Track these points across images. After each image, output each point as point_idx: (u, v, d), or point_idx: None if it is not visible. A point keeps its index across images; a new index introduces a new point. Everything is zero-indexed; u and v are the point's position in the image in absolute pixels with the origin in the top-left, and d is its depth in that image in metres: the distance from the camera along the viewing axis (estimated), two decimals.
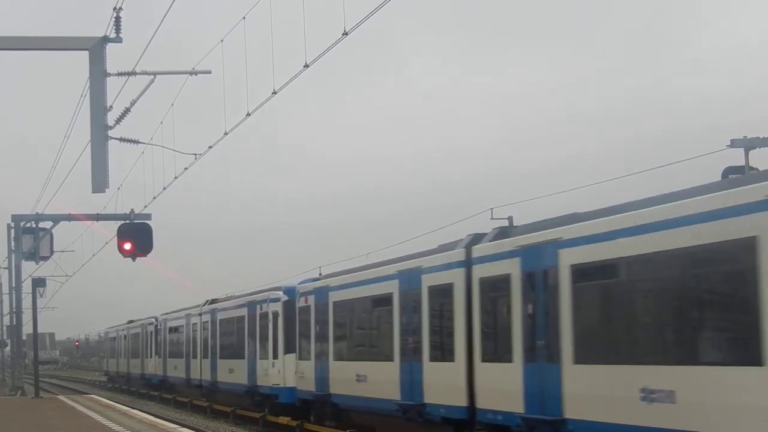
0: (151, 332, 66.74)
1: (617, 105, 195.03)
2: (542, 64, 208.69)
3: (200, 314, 53.87)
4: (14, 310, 53.47)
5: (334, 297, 34.18)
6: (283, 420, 38.77)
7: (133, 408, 42.37)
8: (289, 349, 39.30)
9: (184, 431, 28.74)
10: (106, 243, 46.04)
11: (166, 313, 63.98)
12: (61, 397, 52.92)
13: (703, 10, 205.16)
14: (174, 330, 60.57)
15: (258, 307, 42.89)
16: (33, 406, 39.75)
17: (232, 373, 47.11)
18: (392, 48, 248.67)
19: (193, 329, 55.03)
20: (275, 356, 40.55)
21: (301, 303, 37.69)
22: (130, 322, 76.83)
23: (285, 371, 39.43)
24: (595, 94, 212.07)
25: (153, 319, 66.78)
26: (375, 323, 30.96)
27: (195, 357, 54.85)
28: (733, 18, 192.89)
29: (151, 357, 67.42)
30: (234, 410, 46.91)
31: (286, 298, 39.78)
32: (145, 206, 36.49)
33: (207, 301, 53.79)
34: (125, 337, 78.65)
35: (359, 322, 32.42)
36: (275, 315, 40.66)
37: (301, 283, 39.12)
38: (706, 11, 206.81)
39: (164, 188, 33.88)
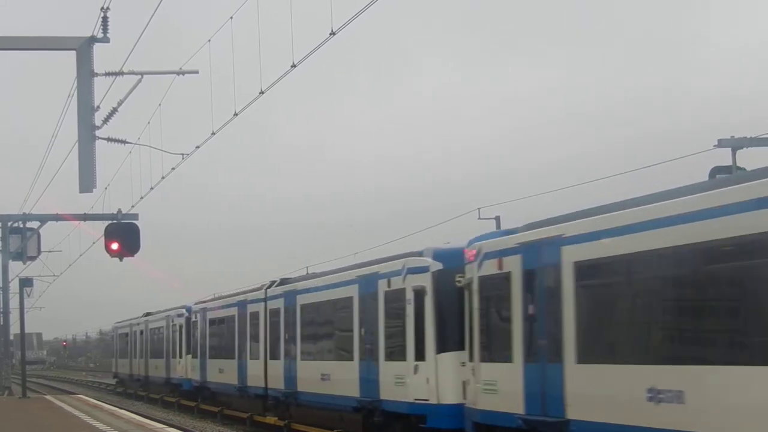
0: (181, 326, 55.50)
1: (620, 104, 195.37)
2: (544, 64, 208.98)
3: (265, 299, 40.33)
4: (1, 310, 53.37)
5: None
6: (271, 420, 38.77)
7: (121, 408, 42.33)
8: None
9: (172, 431, 28.73)
10: (94, 243, 45.96)
11: (203, 302, 53.05)
12: (48, 397, 52.86)
13: (706, 11, 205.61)
14: (218, 322, 47.99)
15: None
16: (20, 406, 39.69)
17: (328, 381, 33.24)
18: (394, 48, 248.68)
19: (252, 321, 41.87)
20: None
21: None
22: (148, 314, 67.18)
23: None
24: (595, 95, 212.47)
25: (183, 310, 55.60)
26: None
27: (256, 357, 41.21)
28: (737, 18, 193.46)
29: (180, 357, 55.61)
30: (221, 410, 46.89)
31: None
32: (133, 206, 36.43)
33: (275, 282, 40.61)
34: (142, 332, 68.20)
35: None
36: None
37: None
38: (709, 11, 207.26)
39: (151, 188, 33.86)
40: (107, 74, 21.57)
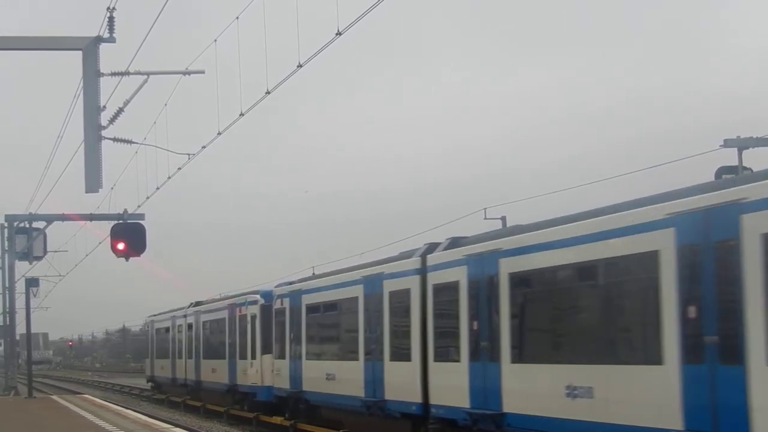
0: (254, 317, 42.81)
1: (622, 105, 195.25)
2: (548, 64, 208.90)
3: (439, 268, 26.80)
4: (7, 310, 53.40)
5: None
6: (277, 420, 38.79)
7: (127, 408, 42.35)
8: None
9: (178, 431, 28.74)
10: (100, 243, 46.03)
11: (287, 284, 39.97)
12: (54, 396, 52.89)
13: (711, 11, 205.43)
14: (329, 309, 34.37)
15: None
16: (26, 406, 39.72)
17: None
18: (397, 49, 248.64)
19: (373, 307, 30.22)
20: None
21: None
22: (198, 303, 55.52)
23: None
24: (598, 95, 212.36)
25: (257, 296, 43.25)
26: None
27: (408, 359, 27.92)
28: (743, 19, 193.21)
29: (253, 358, 42.96)
30: (227, 410, 46.91)
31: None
32: (139, 206, 36.49)
33: (425, 249, 27.73)
34: (191, 326, 54.88)
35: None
36: None
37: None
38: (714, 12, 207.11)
39: (158, 188, 33.89)
40: (113, 74, 21.57)
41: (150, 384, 71.01)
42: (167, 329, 61.60)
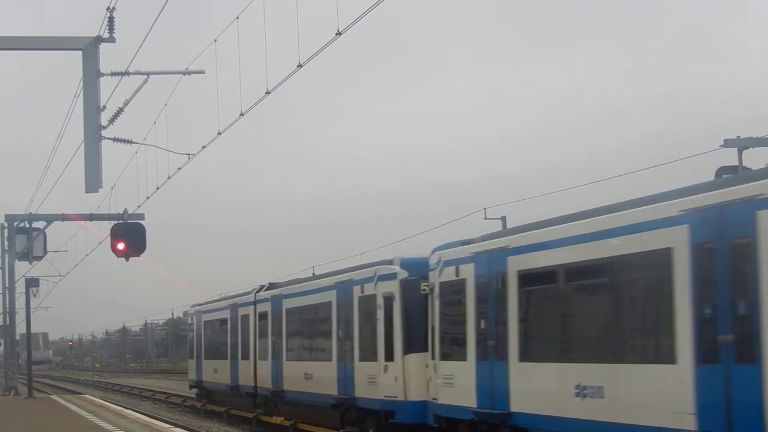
0: (388, 299, 29.17)
1: (625, 105, 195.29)
2: (551, 65, 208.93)
3: None
4: (7, 310, 53.40)
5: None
6: (277, 420, 38.78)
7: (127, 408, 42.34)
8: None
9: (178, 431, 28.74)
10: (100, 243, 46.00)
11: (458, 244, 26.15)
12: (54, 396, 52.89)
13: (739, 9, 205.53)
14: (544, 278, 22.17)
15: None
16: (26, 406, 39.72)
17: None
18: (400, 49, 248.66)
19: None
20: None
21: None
22: (273, 285, 41.53)
23: None
24: (601, 96, 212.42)
25: (393, 269, 29.17)
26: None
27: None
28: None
29: (389, 359, 29.18)
30: (227, 410, 46.89)
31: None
32: (139, 206, 36.50)
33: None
34: (264, 317, 40.91)
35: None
36: None
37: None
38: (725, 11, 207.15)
39: (158, 188, 33.89)
40: (113, 74, 21.58)
41: (195, 391, 54.49)
42: (224, 321, 46.87)
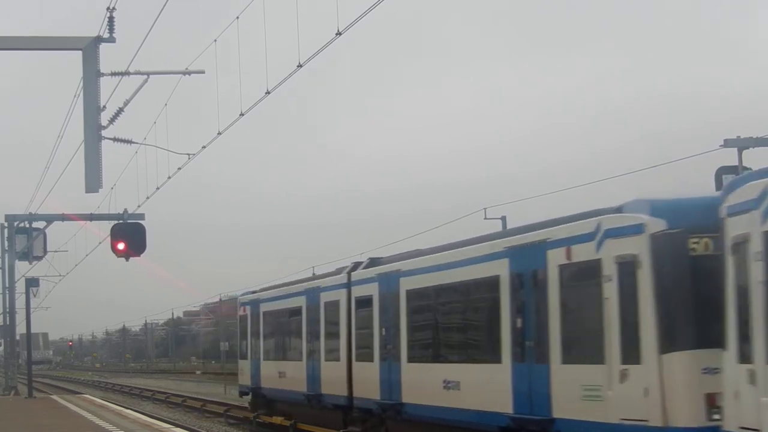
0: (630, 263, 18.62)
1: (625, 107, 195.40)
2: (561, 65, 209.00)
3: None
4: (7, 310, 53.40)
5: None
6: (277, 420, 38.78)
7: (127, 408, 42.33)
8: None
9: (178, 431, 28.74)
10: (100, 243, 45.99)
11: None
12: (54, 396, 52.88)
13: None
14: None
15: None
16: (26, 406, 39.71)
17: None
18: (410, 49, 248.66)
19: None
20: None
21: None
22: (375, 262, 31.30)
23: None
24: (602, 97, 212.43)
25: (639, 218, 18.68)
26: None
27: None
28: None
29: (632, 361, 18.59)
30: (227, 410, 46.89)
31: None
32: (139, 206, 36.49)
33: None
34: (369, 302, 30.30)
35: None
36: None
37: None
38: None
39: (158, 188, 33.88)
40: (113, 74, 21.58)
41: (249, 399, 43.51)
42: (296, 311, 36.49)
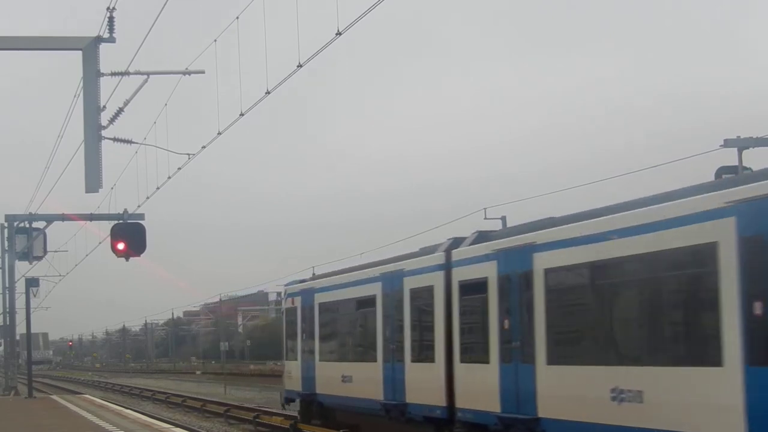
0: None
1: (627, 108, 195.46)
2: (561, 65, 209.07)
3: None
4: (7, 310, 53.41)
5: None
6: (276, 420, 38.78)
7: (127, 408, 42.32)
8: None
9: (178, 431, 28.74)
10: (100, 243, 45.99)
11: None
12: (54, 396, 52.88)
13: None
14: None
15: None
16: (26, 406, 39.71)
17: None
18: (410, 49, 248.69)
19: None
20: None
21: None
22: (483, 237, 24.45)
23: None
24: (603, 98, 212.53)
25: None
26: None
27: None
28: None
29: None
30: (227, 410, 46.90)
31: None
32: (139, 206, 36.49)
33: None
34: (448, 293, 25.10)
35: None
36: None
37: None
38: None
39: (158, 188, 33.86)
40: (113, 74, 21.58)
41: (298, 404, 36.39)
42: (366, 301, 30.12)
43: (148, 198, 35.32)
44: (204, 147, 28.14)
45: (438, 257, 25.38)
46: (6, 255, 47.91)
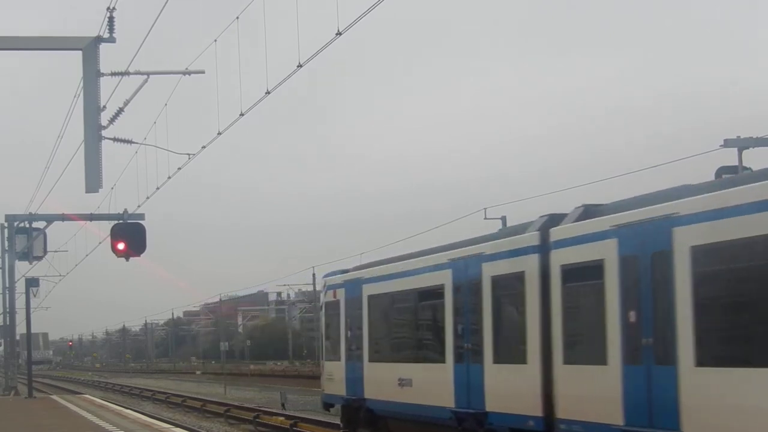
0: None
1: (628, 108, 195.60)
2: (561, 65, 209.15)
3: None
4: (7, 310, 53.40)
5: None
6: (276, 420, 38.79)
7: (127, 408, 42.32)
8: None
9: (178, 431, 28.73)
10: (100, 243, 46.00)
11: None
12: (54, 396, 52.88)
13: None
14: None
15: None
16: (26, 406, 39.70)
17: None
18: (410, 49, 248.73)
19: None
20: None
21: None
22: (581, 215, 20.28)
23: None
24: (604, 99, 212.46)
25: None
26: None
27: None
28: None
29: None
30: (227, 410, 46.90)
31: None
32: (139, 206, 36.48)
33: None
34: (544, 280, 20.77)
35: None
36: None
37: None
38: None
39: (158, 188, 33.84)
40: (113, 74, 21.57)
41: (339, 412, 32.62)
42: (431, 292, 25.87)
43: (148, 198, 35.33)
44: (204, 147, 28.14)
45: (531, 238, 21.31)
46: (6, 255, 47.89)
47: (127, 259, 29.57)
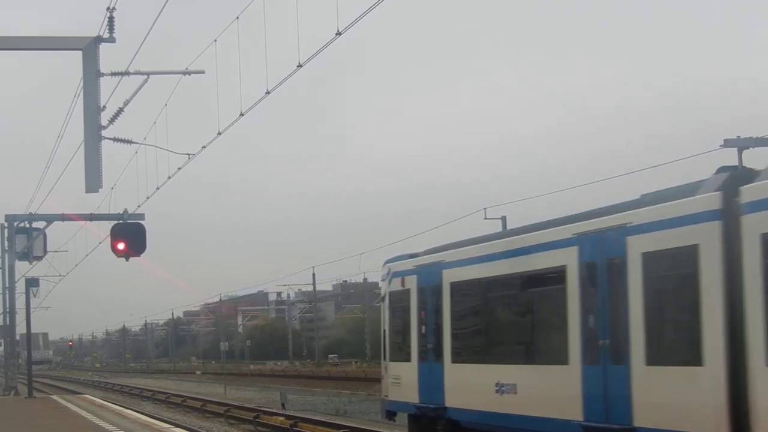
0: None
1: (628, 109, 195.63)
2: (561, 65, 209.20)
3: None
4: (7, 310, 53.38)
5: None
6: (276, 420, 38.78)
7: (127, 408, 42.31)
8: None
9: (178, 431, 28.73)
10: (100, 243, 45.99)
11: None
12: (54, 396, 52.87)
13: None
14: None
15: None
16: (26, 406, 39.70)
17: None
18: (410, 49, 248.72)
19: None
20: None
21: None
22: None
23: None
24: (604, 99, 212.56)
25: None
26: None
27: None
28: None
29: None
30: (227, 410, 46.88)
31: None
32: (139, 206, 36.48)
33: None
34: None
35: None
36: None
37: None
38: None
39: (158, 188, 33.85)
40: (113, 74, 21.57)
41: (406, 421, 28.17)
42: (549, 276, 21.15)
43: (148, 198, 35.33)
44: (204, 147, 28.15)
45: (708, 200, 16.67)
46: (6, 255, 47.88)
47: (127, 259, 29.57)
